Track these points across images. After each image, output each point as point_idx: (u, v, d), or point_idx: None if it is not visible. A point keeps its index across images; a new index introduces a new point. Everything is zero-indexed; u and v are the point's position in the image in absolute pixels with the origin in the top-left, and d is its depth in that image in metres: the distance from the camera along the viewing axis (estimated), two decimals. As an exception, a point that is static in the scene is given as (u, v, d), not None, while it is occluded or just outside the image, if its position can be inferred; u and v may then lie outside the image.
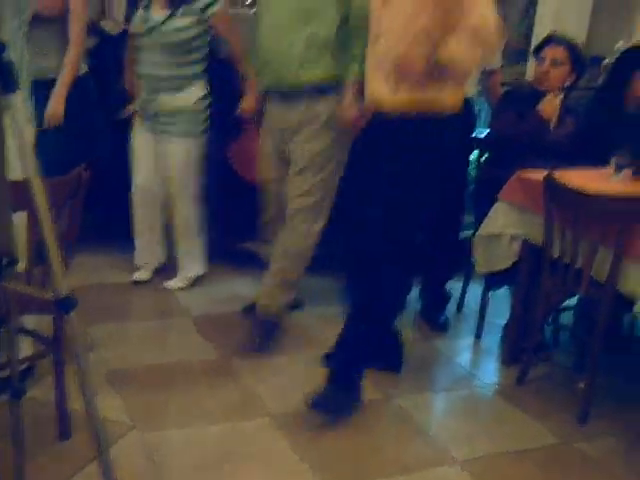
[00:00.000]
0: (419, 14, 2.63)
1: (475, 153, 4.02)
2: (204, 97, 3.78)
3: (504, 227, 3.30)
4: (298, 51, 3.21)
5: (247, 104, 3.70)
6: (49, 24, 3.62)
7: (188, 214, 3.92)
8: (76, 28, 3.70)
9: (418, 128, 2.72)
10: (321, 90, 3.29)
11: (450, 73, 2.65)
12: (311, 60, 3.22)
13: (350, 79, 3.25)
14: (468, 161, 3.91)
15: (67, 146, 3.70)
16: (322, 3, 3.19)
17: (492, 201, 3.35)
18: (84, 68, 3.89)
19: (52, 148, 3.18)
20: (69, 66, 3.73)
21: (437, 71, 2.62)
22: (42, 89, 3.56)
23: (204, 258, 4.09)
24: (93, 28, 4.34)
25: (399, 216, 2.78)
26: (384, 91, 2.75)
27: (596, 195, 2.83)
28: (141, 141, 3.88)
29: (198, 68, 3.72)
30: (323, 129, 3.34)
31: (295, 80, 3.26)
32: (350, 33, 3.22)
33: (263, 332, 3.43)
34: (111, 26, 4.56)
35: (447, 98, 2.74)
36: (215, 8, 3.62)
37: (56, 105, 3.71)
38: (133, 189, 3.94)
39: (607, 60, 4.81)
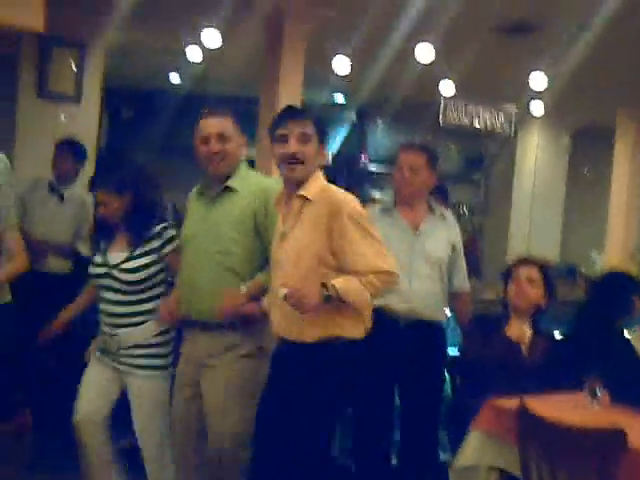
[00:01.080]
0: (310, 245, 2.89)
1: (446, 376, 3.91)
2: (165, 332, 3.63)
3: (480, 459, 3.10)
4: (211, 284, 3.26)
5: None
6: None
7: (154, 458, 3.65)
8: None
9: (321, 354, 2.91)
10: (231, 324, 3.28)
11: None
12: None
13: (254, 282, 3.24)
14: (441, 379, 3.82)
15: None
16: (235, 242, 3.26)
17: (466, 427, 3.18)
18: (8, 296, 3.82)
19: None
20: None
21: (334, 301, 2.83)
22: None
23: None
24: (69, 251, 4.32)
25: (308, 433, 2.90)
26: (286, 324, 2.95)
27: (574, 427, 2.66)
28: (94, 372, 3.69)
29: (157, 304, 3.61)
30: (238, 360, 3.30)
31: (208, 312, 3.27)
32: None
33: None
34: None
35: (349, 327, 2.95)
36: (172, 246, 3.58)
37: None
38: (74, 416, 3.64)
39: (583, 269, 4.87)
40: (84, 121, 6.09)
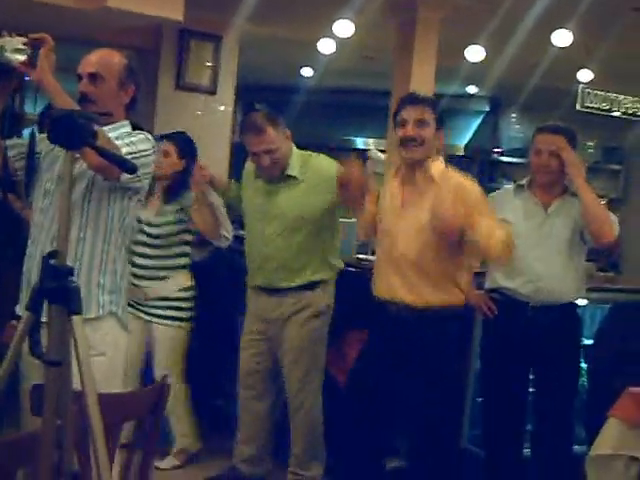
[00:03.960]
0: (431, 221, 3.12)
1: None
2: (189, 288, 4.03)
3: (618, 448, 2.97)
4: (289, 257, 3.57)
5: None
6: None
7: (173, 395, 3.85)
8: None
9: (437, 322, 3.17)
10: (310, 285, 3.61)
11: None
12: (301, 265, 3.58)
13: None
14: (576, 366, 3.68)
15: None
16: (309, 214, 3.57)
17: (602, 418, 3.06)
18: None
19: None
20: None
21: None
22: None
23: (196, 435, 4.14)
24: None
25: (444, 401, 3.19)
26: (403, 289, 3.22)
27: None
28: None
29: (183, 260, 4.05)
30: (312, 319, 3.61)
31: (286, 283, 3.61)
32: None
33: None
34: None
35: (458, 295, 3.24)
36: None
37: None
38: None
39: None
40: (219, 112, 6.27)
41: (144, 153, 2.64)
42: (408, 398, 3.23)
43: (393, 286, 3.28)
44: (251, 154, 3.60)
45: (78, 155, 2.08)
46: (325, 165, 3.62)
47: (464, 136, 9.12)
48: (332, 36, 6.37)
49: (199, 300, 4.09)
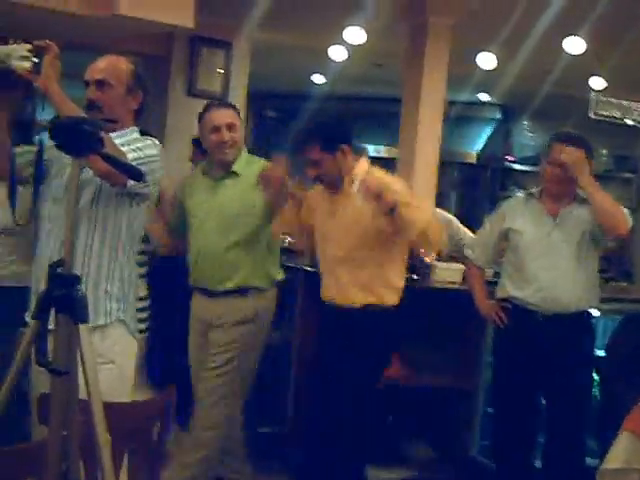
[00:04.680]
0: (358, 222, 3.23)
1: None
2: (144, 298, 3.85)
3: (631, 461, 2.93)
4: (221, 254, 3.54)
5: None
6: None
7: None
8: None
9: (370, 318, 3.27)
10: (242, 291, 3.57)
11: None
12: (233, 267, 3.55)
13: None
14: (589, 377, 3.65)
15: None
16: (245, 211, 3.55)
17: (615, 431, 3.02)
18: None
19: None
20: None
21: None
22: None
23: None
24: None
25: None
26: (337, 291, 3.33)
27: None
28: None
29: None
30: (238, 325, 3.57)
31: (221, 286, 3.57)
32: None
33: None
34: None
35: (390, 297, 3.30)
36: None
37: None
38: None
39: None
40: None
41: (151, 159, 2.64)
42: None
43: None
44: (212, 130, 3.53)
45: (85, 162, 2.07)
46: (266, 166, 3.60)
47: (476, 144, 9.09)
48: (343, 43, 6.37)
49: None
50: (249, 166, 3.61)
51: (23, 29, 2.75)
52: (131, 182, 2.48)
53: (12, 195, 3.80)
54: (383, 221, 3.08)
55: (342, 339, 3.36)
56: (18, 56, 2.37)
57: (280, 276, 3.73)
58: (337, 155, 3.31)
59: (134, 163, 2.41)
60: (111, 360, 2.59)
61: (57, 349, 1.82)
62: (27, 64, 2.38)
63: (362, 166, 3.38)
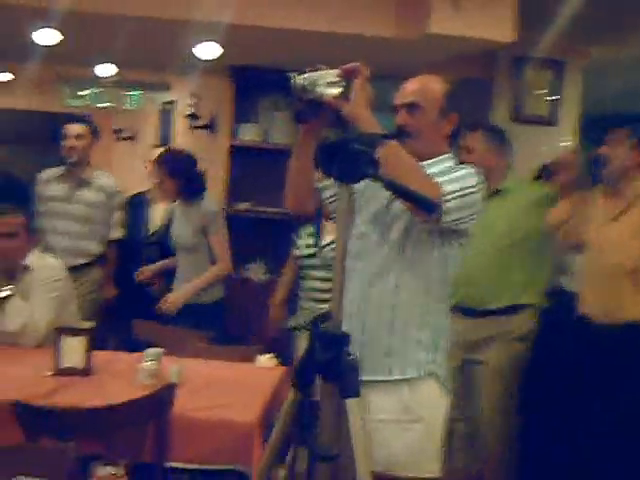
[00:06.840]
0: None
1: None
2: None
3: None
4: (495, 276, 3.61)
5: None
6: None
7: None
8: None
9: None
10: (512, 310, 3.66)
11: None
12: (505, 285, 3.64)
13: None
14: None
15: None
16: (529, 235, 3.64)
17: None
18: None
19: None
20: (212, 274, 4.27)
21: None
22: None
23: None
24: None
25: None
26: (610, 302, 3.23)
27: None
28: None
29: None
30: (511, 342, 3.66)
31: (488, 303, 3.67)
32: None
33: None
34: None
35: None
36: None
37: (182, 294, 4.23)
38: None
39: None
40: (559, 145, 5.69)
41: (470, 190, 2.31)
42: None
43: None
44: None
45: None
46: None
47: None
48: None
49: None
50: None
51: (321, 58, 2.53)
52: (447, 217, 2.22)
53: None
54: None
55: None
56: (326, 82, 2.20)
57: None
58: None
59: (450, 197, 2.18)
60: (420, 417, 2.34)
61: (322, 429, 1.45)
62: (335, 90, 2.19)
63: None
